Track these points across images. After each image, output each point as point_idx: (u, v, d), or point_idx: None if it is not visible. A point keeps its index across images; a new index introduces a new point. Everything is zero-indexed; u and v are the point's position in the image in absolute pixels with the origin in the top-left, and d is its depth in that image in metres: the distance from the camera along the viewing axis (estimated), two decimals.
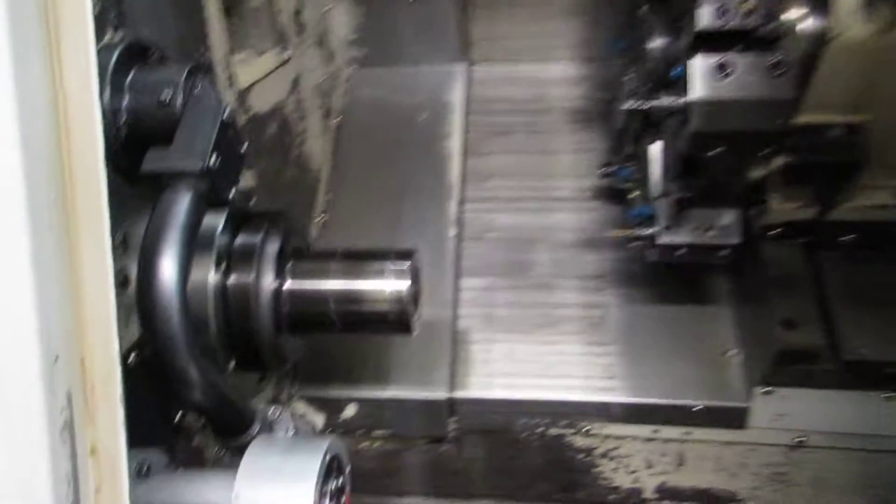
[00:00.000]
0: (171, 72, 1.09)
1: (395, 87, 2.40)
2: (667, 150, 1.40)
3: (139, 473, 1.05)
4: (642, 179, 1.57)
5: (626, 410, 1.81)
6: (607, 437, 1.85)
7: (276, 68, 1.89)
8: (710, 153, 1.16)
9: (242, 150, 1.15)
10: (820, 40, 1.21)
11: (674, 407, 1.77)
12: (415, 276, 1.30)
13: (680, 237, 1.38)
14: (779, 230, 1.52)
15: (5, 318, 0.77)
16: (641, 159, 1.60)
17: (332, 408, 1.83)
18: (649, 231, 1.42)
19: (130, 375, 1.00)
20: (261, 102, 1.76)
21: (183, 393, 0.99)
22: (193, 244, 1.02)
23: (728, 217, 1.36)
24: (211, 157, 1.03)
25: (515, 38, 2.40)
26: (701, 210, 1.37)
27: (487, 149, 2.32)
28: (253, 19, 1.89)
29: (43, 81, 0.82)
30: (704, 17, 1.11)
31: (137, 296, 0.99)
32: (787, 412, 1.66)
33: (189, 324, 0.97)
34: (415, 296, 1.30)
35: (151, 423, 1.14)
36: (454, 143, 2.29)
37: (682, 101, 1.13)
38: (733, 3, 1.10)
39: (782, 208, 1.47)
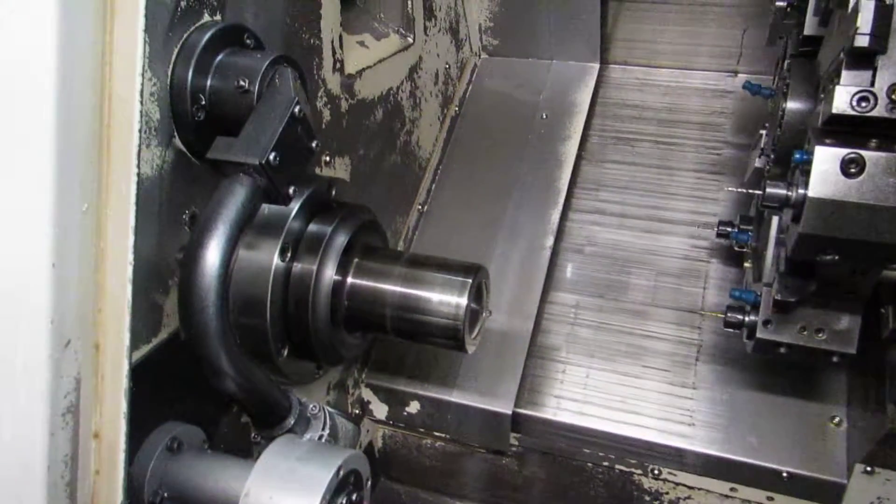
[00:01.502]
0: (256, 59, 1.09)
1: (522, 81, 2.31)
2: (778, 241, 1.23)
3: (169, 449, 1.09)
4: (757, 251, 1.40)
5: (701, 461, 1.69)
6: (679, 484, 1.75)
7: (395, 53, 1.84)
8: (819, 258, 1.00)
9: (313, 145, 1.14)
10: None
11: (759, 468, 1.64)
12: (476, 294, 1.27)
13: (782, 336, 1.22)
14: None
15: (22, 297, 0.80)
16: (762, 227, 1.42)
17: (396, 400, 1.85)
18: (749, 319, 1.27)
19: (172, 351, 1.02)
20: (370, 88, 1.74)
21: (214, 382, 1.01)
22: (241, 237, 1.02)
23: (845, 322, 1.18)
24: (270, 153, 1.02)
25: (658, 42, 2.25)
26: (811, 310, 1.20)
27: (605, 156, 2.20)
28: (381, 2, 1.85)
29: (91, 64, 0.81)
30: (841, 100, 0.94)
31: (179, 283, 1.01)
32: (889, 497, 1.50)
33: (225, 315, 0.98)
34: (473, 314, 1.26)
35: (195, 399, 1.17)
36: (571, 147, 2.17)
37: (799, 193, 0.97)
38: (883, 88, 0.92)
39: None
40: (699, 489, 1.73)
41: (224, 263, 0.98)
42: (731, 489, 1.68)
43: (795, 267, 1.13)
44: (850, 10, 0.94)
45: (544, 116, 2.23)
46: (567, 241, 2.06)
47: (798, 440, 1.63)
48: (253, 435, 1.30)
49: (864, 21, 0.87)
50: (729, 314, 1.31)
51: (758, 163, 1.50)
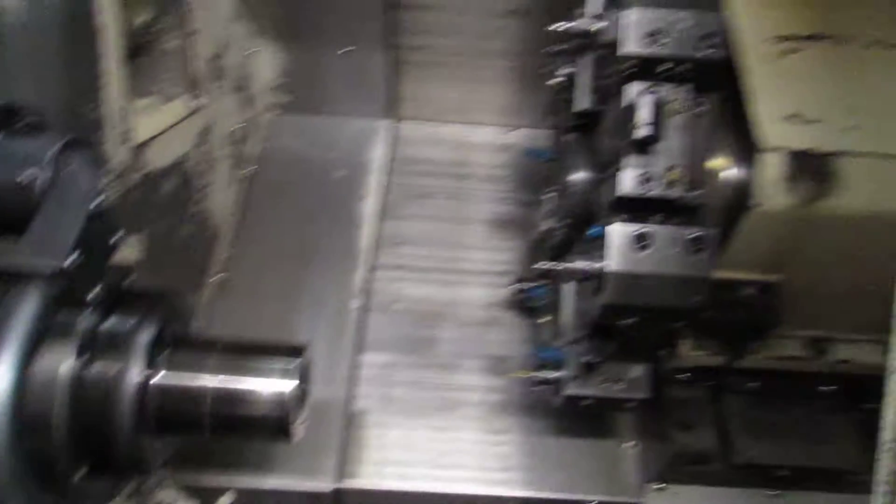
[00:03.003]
0: (40, 144, 0.95)
1: (314, 139, 2.28)
2: (578, 305, 1.34)
3: None
4: (554, 306, 1.51)
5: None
6: None
7: (185, 118, 1.74)
8: (620, 323, 1.10)
9: (116, 238, 1.02)
10: (739, 198, 1.18)
11: (570, 501, 1.72)
12: (303, 376, 1.19)
13: (587, 390, 1.32)
14: (687, 374, 1.49)
15: None
16: (555, 282, 1.54)
17: (206, 497, 1.69)
18: (555, 376, 1.36)
19: None
20: (160, 157, 1.61)
21: None
22: (34, 358, 0.89)
23: (637, 370, 1.31)
24: (70, 256, 0.89)
25: (445, 99, 2.33)
26: (609, 364, 1.32)
27: (404, 212, 2.23)
28: (163, 63, 1.73)
29: None
30: (627, 183, 1.05)
31: None
32: None
33: (15, 443, 0.84)
34: (299, 399, 1.19)
35: None
36: (370, 205, 2.18)
37: (597, 266, 1.06)
38: (658, 171, 1.05)
39: (691, 355, 1.43)
40: None
41: (15, 384, 0.84)
42: None
43: (598, 331, 1.23)
44: (626, 104, 1.06)
45: (340, 175, 2.22)
46: (373, 300, 2.05)
47: (600, 470, 1.74)
48: None
49: (644, 116, 0.98)
50: (537, 373, 1.39)
51: (546, 225, 1.62)
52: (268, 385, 1.13)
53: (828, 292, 1.34)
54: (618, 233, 1.05)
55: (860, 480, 1.50)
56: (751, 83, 1.21)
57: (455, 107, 2.35)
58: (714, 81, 1.11)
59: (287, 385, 1.13)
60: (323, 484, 1.70)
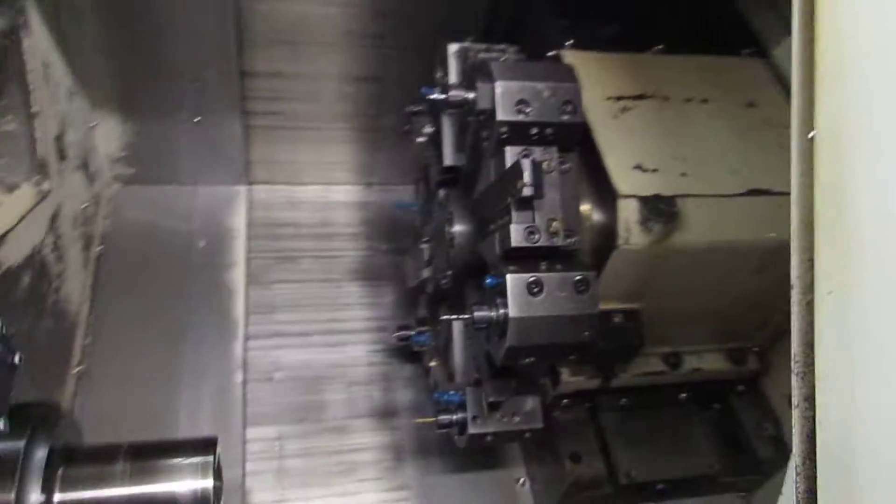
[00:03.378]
0: None
1: (167, 209, 2.21)
2: (475, 344, 1.43)
3: None
4: (441, 350, 1.59)
5: None
6: None
7: (35, 206, 1.62)
8: (521, 362, 1.21)
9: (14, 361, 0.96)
10: (604, 240, 1.35)
11: None
12: (217, 471, 1.16)
13: (490, 427, 1.41)
14: (568, 400, 1.63)
15: None
16: (441, 329, 1.63)
17: None
18: (457, 417, 1.43)
19: None
20: (14, 253, 1.50)
21: None
22: None
23: (530, 403, 1.43)
24: None
25: (298, 161, 2.35)
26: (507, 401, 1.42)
27: (271, 278, 2.20)
28: (4, 148, 1.62)
29: None
30: (516, 237, 1.18)
31: None
32: None
33: None
34: (219, 495, 1.15)
35: None
36: (238, 273, 2.14)
37: (499, 314, 1.16)
38: (541, 225, 1.18)
39: (570, 381, 1.58)
40: None
41: None
42: None
43: (499, 372, 1.33)
44: (509, 166, 1.18)
45: (202, 245, 2.16)
46: (254, 371, 2.00)
47: None
48: None
49: (527, 177, 1.11)
50: (440, 417, 1.46)
51: (425, 273, 1.71)
52: (186, 486, 1.09)
53: (678, 313, 1.55)
54: (514, 281, 1.15)
55: (723, 482, 1.71)
56: (598, 139, 1.39)
57: (311, 169, 2.38)
58: (574, 141, 1.27)
59: (206, 483, 1.10)
60: None
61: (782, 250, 1.45)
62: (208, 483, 1.10)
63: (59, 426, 1.11)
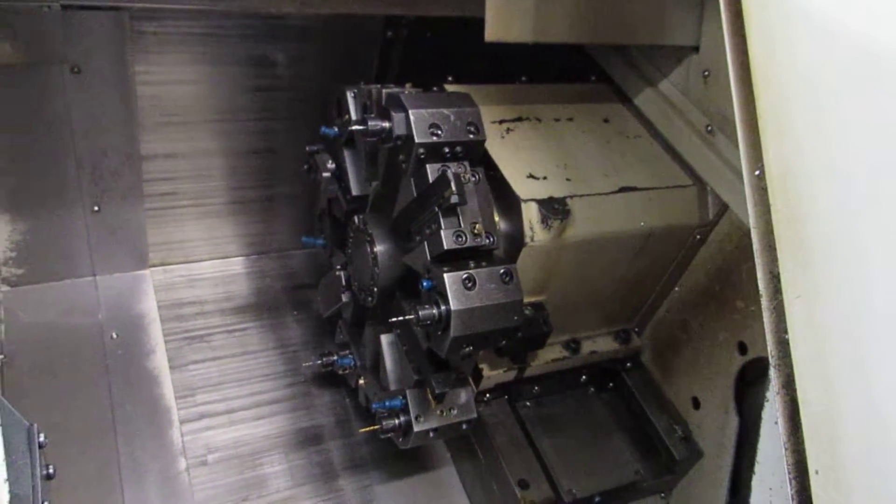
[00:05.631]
0: None
1: (68, 305, 2.07)
2: (409, 346, 1.56)
3: None
4: (369, 367, 1.69)
5: None
6: None
7: None
8: (463, 351, 1.35)
9: None
10: (513, 242, 1.54)
11: None
12: None
13: (431, 423, 1.53)
14: (490, 394, 1.80)
15: None
16: (363, 347, 1.73)
17: None
18: (400, 421, 1.54)
19: None
20: None
21: None
22: None
23: (464, 396, 1.57)
24: None
25: (191, 239, 2.30)
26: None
27: (186, 359, 2.12)
28: None
29: None
30: (448, 241, 1.34)
31: None
32: None
33: None
34: None
35: None
36: (160, 360, 2.05)
37: (440, 311, 1.31)
38: (466, 228, 1.35)
39: (491, 375, 1.74)
40: None
41: None
42: None
43: (439, 365, 1.46)
44: (433, 180, 1.35)
45: (114, 336, 2.06)
46: (188, 457, 1.91)
47: None
48: None
49: (454, 187, 1.28)
50: (385, 423, 1.56)
51: (345, 297, 1.81)
52: None
53: (575, 302, 1.77)
54: (451, 279, 1.31)
55: (647, 486, 1.91)
56: (493, 156, 1.60)
57: (202, 244, 2.32)
58: (480, 156, 1.46)
59: None
60: None
61: (652, 237, 1.73)
62: None
63: None
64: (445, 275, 1.31)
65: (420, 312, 1.31)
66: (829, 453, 0.94)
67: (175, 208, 2.20)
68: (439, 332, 1.35)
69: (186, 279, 2.29)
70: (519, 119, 1.74)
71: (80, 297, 2.10)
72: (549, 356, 1.83)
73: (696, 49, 1.72)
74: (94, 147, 1.92)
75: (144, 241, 2.18)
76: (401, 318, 1.38)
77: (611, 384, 2.01)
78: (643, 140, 1.83)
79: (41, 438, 0.94)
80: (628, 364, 2.00)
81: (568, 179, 1.62)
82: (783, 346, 0.97)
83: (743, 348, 1.73)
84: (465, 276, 1.33)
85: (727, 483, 1.81)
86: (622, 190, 1.66)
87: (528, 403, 1.89)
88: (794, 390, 0.97)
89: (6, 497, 0.70)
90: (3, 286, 2.05)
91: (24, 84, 1.75)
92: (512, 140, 1.68)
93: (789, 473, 0.98)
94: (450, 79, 1.77)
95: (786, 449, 0.98)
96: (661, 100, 1.83)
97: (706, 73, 1.70)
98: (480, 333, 1.34)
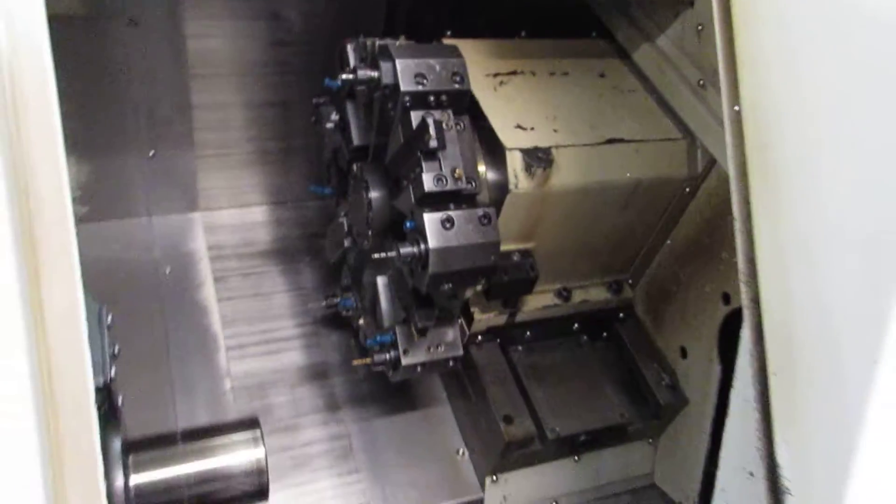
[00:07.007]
0: None
1: (127, 242, 2.25)
2: (397, 285, 1.66)
3: None
4: (369, 308, 1.80)
5: None
6: None
7: None
8: (442, 288, 1.44)
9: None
10: (499, 190, 1.62)
11: None
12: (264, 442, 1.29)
13: (418, 357, 1.63)
14: (480, 336, 1.89)
15: None
16: (364, 290, 1.83)
17: None
18: (390, 356, 1.64)
19: None
20: None
21: None
22: None
23: (451, 334, 1.66)
24: None
25: (238, 187, 2.43)
26: (432, 332, 1.65)
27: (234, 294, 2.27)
28: None
29: None
30: (428, 183, 1.42)
31: None
32: (509, 492, 2.00)
33: None
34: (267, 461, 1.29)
35: None
36: (208, 291, 2.23)
37: (420, 249, 1.40)
38: (447, 172, 1.43)
39: (482, 318, 1.83)
40: None
41: None
42: None
43: (423, 301, 1.56)
44: (416, 125, 1.43)
45: (168, 271, 2.25)
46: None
47: (442, 478, 2.02)
48: None
49: (433, 132, 1.36)
50: (376, 357, 1.67)
51: (346, 243, 1.92)
52: (242, 457, 1.25)
53: (564, 251, 1.84)
54: (431, 220, 1.39)
55: (633, 430, 1.98)
56: (483, 107, 1.67)
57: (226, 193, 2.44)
58: (464, 105, 1.53)
59: (259, 452, 1.26)
60: None
61: (639, 188, 1.78)
62: (261, 453, 1.26)
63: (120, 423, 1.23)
64: (425, 215, 1.40)
65: (402, 250, 1.41)
66: (785, 356, 1.05)
67: (222, 156, 2.36)
68: (420, 270, 1.44)
69: (231, 224, 2.45)
70: (514, 73, 1.80)
71: (138, 235, 2.29)
72: (541, 303, 1.91)
73: (691, 3, 1.74)
74: (149, 95, 2.10)
75: (195, 185, 2.35)
76: (383, 254, 1.47)
77: (605, 334, 2.08)
78: (637, 94, 1.87)
79: (109, 320, 1.06)
80: (622, 315, 2.06)
81: (555, 130, 1.68)
82: (751, 264, 1.08)
83: (727, 299, 1.78)
84: (443, 216, 1.41)
85: (709, 429, 1.88)
86: (609, 142, 1.71)
87: (519, 348, 1.97)
88: (759, 303, 1.07)
89: (87, 356, 0.81)
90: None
91: (87, 35, 1.95)
92: (504, 92, 1.74)
93: (753, 378, 1.10)
94: (448, 33, 1.84)
95: (751, 356, 1.09)
96: (658, 55, 1.87)
97: (700, 27, 1.72)
98: (458, 271, 1.43)
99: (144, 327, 2.09)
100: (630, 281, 2.04)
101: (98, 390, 0.98)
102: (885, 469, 0.93)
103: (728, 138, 1.07)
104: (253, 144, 2.37)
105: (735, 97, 1.07)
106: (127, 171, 2.23)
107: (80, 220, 2.14)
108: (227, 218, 2.44)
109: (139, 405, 1.79)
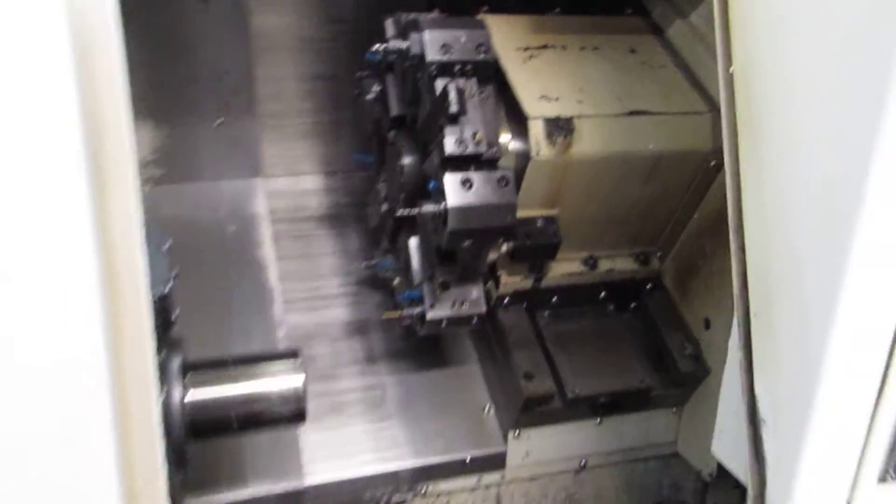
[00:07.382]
0: None
1: (197, 204, 2.45)
2: (425, 245, 1.77)
3: None
4: (403, 268, 1.92)
5: (413, 473, 2.07)
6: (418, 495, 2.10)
7: None
8: (462, 245, 1.55)
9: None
10: (523, 157, 1.71)
11: (450, 462, 2.08)
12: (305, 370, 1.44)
13: (443, 312, 1.74)
14: (507, 299, 1.98)
15: None
16: (400, 252, 1.96)
17: None
18: (417, 310, 1.76)
19: None
20: None
21: None
22: None
23: (475, 292, 1.76)
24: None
25: (296, 156, 2.60)
26: (456, 289, 1.75)
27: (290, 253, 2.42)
28: None
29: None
30: (449, 146, 1.53)
31: None
32: (531, 448, 2.10)
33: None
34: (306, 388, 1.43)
35: None
36: (267, 250, 2.41)
37: (441, 207, 1.51)
38: (468, 137, 1.53)
39: (508, 281, 1.93)
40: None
41: None
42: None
43: (445, 257, 1.67)
44: (439, 92, 1.54)
45: (232, 229, 2.45)
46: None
47: (468, 430, 2.12)
48: None
49: (453, 98, 1.46)
50: (405, 311, 1.79)
51: (384, 208, 2.04)
52: (283, 382, 1.40)
53: (589, 219, 1.92)
54: (450, 180, 1.50)
55: (656, 396, 2.04)
56: (510, 78, 1.76)
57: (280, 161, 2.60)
58: (489, 75, 1.63)
59: (299, 379, 1.41)
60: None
61: (662, 161, 1.84)
62: (302, 377, 1.42)
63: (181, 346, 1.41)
64: (446, 175, 1.51)
65: (423, 208, 1.52)
66: (764, 297, 1.14)
67: (283, 127, 2.52)
68: (441, 226, 1.55)
69: (285, 190, 2.61)
70: (544, 47, 1.88)
71: (206, 198, 2.49)
72: (566, 269, 1.99)
73: None
74: (217, 67, 2.29)
75: (258, 152, 2.53)
76: (406, 211, 1.59)
77: (633, 304, 2.14)
78: (667, 70, 1.91)
79: (167, 246, 1.27)
80: (649, 286, 2.11)
81: (580, 101, 1.75)
82: (739, 213, 1.18)
83: None
84: (463, 177, 1.52)
85: None
86: (633, 113, 1.77)
87: (545, 313, 2.06)
88: (745, 252, 1.18)
89: (144, 263, 0.93)
90: (147, 185, 2.44)
91: (162, 10, 2.15)
92: (533, 65, 1.82)
93: (738, 322, 1.21)
94: (485, 9, 1.93)
95: (737, 299, 1.19)
96: (690, 30, 1.91)
97: None
98: (476, 229, 1.53)
99: (209, 280, 2.29)
100: (660, 254, 2.09)
101: (155, 301, 1.10)
102: (844, 396, 1.02)
103: (722, 98, 1.16)
104: (307, 116, 2.52)
105: (730, 60, 1.15)
106: (197, 138, 2.43)
107: (156, 182, 2.48)
108: (283, 184, 2.61)
109: (203, 345, 1.95)
